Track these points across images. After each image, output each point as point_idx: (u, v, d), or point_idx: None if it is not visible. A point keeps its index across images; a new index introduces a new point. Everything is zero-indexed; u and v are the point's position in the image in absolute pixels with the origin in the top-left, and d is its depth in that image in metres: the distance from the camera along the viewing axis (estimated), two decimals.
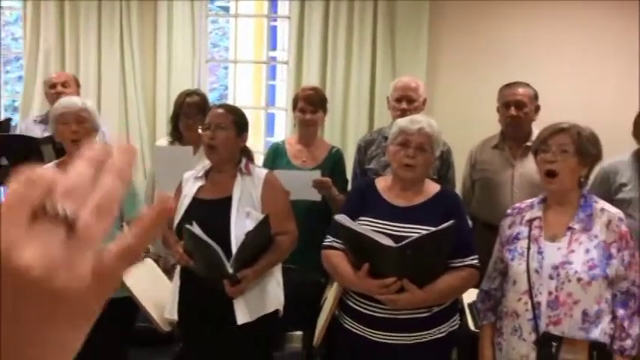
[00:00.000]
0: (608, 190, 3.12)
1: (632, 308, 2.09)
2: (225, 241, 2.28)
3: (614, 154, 3.19)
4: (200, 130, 2.48)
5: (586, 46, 4.24)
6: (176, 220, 2.42)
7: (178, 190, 2.55)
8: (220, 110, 2.50)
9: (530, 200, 2.28)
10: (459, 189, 3.38)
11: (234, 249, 2.30)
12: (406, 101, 3.12)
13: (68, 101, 2.65)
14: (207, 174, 2.53)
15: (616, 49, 4.23)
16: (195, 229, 2.26)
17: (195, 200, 2.45)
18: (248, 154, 2.56)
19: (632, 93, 3.99)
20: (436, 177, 3.04)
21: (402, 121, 2.34)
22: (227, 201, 2.39)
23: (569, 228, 2.11)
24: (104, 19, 4.38)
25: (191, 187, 2.49)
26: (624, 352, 2.07)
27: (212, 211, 2.39)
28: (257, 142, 5.05)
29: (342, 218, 2.19)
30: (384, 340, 2.20)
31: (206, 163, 2.56)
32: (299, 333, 3.34)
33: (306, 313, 2.74)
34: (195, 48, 4.43)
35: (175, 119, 3.30)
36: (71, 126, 2.54)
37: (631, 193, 3.08)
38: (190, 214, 2.39)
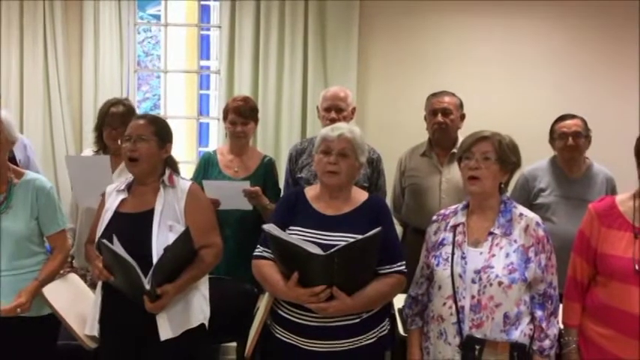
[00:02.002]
0: (528, 195, 3.25)
1: (549, 309, 2.16)
2: (146, 256, 2.21)
3: (536, 161, 3.33)
4: (119, 142, 2.40)
5: (508, 58, 4.40)
6: (98, 235, 2.34)
7: (102, 204, 2.48)
8: (141, 121, 2.42)
9: (454, 206, 2.34)
10: (389, 196, 3.44)
11: None
12: (335, 110, 3.15)
13: None
14: (130, 187, 2.45)
15: (538, 59, 4.40)
16: (116, 246, 2.19)
17: (116, 214, 2.37)
18: (172, 166, 2.49)
19: (550, 102, 4.17)
20: (367, 184, 3.09)
21: (324, 130, 2.38)
22: (149, 214, 2.32)
23: (491, 233, 2.17)
24: (26, 25, 4.23)
25: (113, 201, 2.41)
26: (543, 352, 2.14)
27: (133, 225, 2.31)
28: (190, 152, 4.99)
29: (270, 228, 2.19)
30: (315, 348, 2.20)
31: (129, 176, 2.47)
32: (233, 344, 3.31)
33: (239, 323, 2.71)
34: (123, 57, 4.34)
35: (100, 129, 3.19)
36: None
37: (549, 197, 3.21)
38: (111, 229, 2.30)
